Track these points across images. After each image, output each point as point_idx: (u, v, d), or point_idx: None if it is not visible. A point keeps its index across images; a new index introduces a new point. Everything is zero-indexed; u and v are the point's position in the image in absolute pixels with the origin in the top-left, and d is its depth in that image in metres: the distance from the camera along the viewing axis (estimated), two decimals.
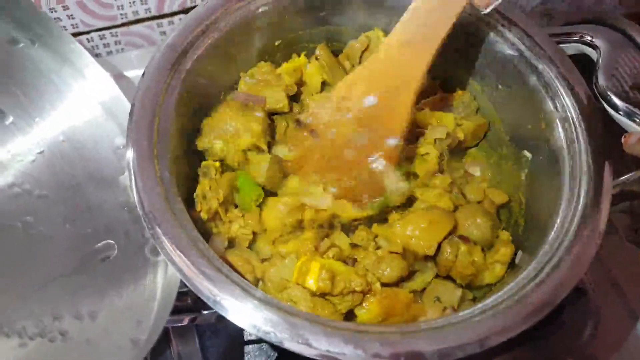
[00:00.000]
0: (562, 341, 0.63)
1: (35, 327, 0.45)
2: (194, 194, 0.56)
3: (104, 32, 0.77)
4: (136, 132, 0.50)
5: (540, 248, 0.50)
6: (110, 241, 0.52)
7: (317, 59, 0.64)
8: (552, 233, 0.50)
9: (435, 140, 0.61)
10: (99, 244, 0.52)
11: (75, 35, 0.75)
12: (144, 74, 0.54)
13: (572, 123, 0.54)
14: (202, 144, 0.59)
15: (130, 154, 0.49)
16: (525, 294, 0.46)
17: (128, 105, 0.48)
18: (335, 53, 0.67)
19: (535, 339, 0.62)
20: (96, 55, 0.78)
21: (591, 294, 0.66)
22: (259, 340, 0.58)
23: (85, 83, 0.56)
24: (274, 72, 0.63)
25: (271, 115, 0.63)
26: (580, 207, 0.50)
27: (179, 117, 0.54)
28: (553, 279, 0.47)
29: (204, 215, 0.55)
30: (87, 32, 0.77)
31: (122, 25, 0.77)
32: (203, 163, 0.58)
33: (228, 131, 0.58)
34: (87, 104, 0.56)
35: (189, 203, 0.55)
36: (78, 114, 0.56)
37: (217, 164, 0.58)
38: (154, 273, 0.50)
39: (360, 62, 0.66)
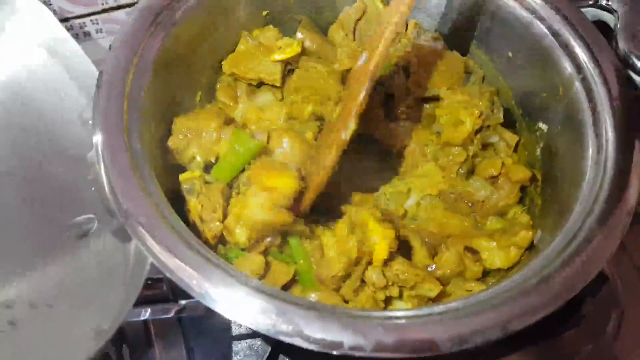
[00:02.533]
0: (581, 338, 0.58)
1: None
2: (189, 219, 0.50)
3: (84, 19, 0.73)
4: (104, 109, 0.46)
5: (562, 226, 0.45)
6: (90, 215, 0.46)
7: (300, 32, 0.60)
8: (576, 209, 0.46)
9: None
10: (79, 218, 0.46)
11: None
12: (112, 45, 0.49)
13: (594, 85, 0.50)
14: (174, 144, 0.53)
15: (98, 137, 0.44)
16: (550, 273, 0.41)
17: (82, 55, 0.42)
18: (326, 27, 0.63)
19: (548, 335, 0.56)
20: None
21: (614, 284, 0.61)
22: (247, 335, 0.54)
23: (19, 20, 0.50)
24: (278, 40, 0.59)
25: (261, 84, 0.59)
26: (606, 181, 0.46)
27: (154, 91, 0.50)
28: (580, 257, 0.42)
29: (212, 241, 0.49)
30: (67, 20, 0.73)
31: (103, 11, 0.73)
32: (182, 177, 0.51)
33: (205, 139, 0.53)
34: (27, 46, 0.50)
35: (164, 176, 0.50)
36: (18, 59, 0.50)
37: (198, 173, 0.52)
38: (123, 258, 0.44)
39: (354, 33, 0.61)
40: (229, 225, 0.49)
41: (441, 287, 0.48)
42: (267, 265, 0.49)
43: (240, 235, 0.49)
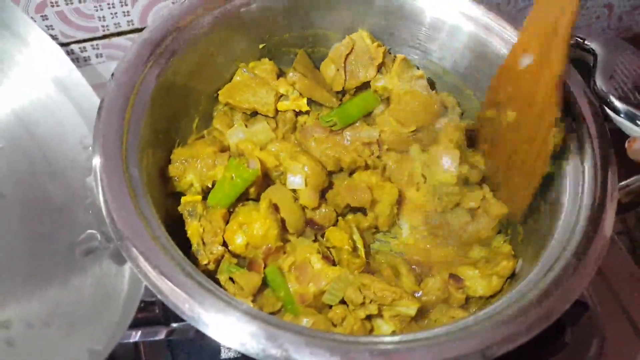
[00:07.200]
0: None
1: None
2: (191, 249, 0.50)
3: (84, 44, 0.74)
4: (104, 135, 0.47)
5: (542, 255, 0.47)
6: (93, 231, 0.47)
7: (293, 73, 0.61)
8: (554, 241, 0.47)
9: None
10: (83, 236, 0.47)
11: None
12: (113, 74, 0.50)
13: (572, 121, 0.52)
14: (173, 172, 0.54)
15: (97, 162, 0.45)
16: (529, 302, 0.42)
17: (86, 85, 0.43)
18: (320, 59, 0.65)
19: None
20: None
21: (595, 313, 0.63)
22: (235, 359, 0.54)
23: (30, 54, 0.52)
24: (274, 72, 0.61)
25: (256, 113, 0.61)
26: (583, 213, 0.47)
27: (153, 119, 0.51)
28: (558, 286, 0.43)
29: (211, 267, 0.50)
30: (67, 44, 0.74)
31: (104, 37, 0.74)
32: (184, 200, 0.53)
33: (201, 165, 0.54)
34: (37, 79, 0.51)
35: (162, 202, 0.51)
36: (27, 91, 0.51)
37: (200, 197, 0.53)
38: (118, 281, 0.45)
39: (345, 66, 0.63)
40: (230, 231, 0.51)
41: (419, 303, 0.48)
42: (261, 289, 0.50)
43: (240, 242, 0.51)
